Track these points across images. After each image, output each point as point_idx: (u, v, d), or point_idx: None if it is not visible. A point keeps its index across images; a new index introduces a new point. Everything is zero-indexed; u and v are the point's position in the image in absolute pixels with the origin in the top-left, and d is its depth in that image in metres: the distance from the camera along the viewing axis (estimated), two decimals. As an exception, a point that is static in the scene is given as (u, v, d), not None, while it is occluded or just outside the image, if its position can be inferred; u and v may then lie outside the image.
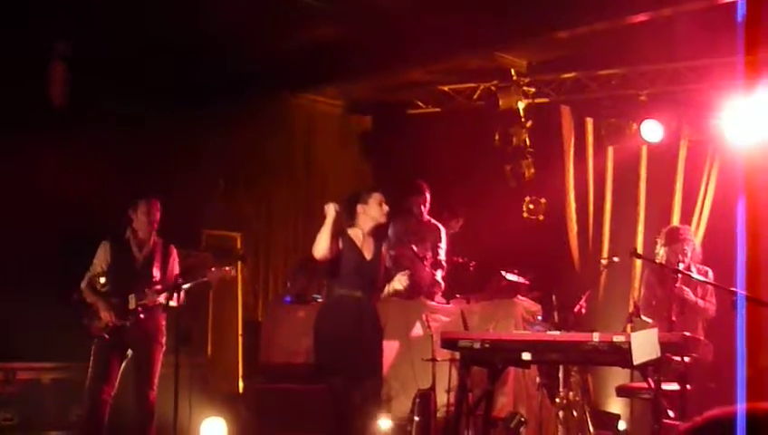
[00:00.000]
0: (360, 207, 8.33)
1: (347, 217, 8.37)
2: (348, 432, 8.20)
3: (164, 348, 9.03)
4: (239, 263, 10.29)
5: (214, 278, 9.14)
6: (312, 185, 13.05)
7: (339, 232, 8.14)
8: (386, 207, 8.38)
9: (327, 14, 9.95)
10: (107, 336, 8.81)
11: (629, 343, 7.21)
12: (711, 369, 9.16)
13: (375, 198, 8.36)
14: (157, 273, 9.06)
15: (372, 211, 8.34)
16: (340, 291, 8.30)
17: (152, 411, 8.94)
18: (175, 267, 9.20)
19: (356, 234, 8.32)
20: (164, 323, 9.06)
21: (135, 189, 9.38)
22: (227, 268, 9.24)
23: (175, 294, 8.83)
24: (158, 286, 8.99)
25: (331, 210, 8.00)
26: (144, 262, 9.08)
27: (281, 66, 11.06)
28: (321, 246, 8.04)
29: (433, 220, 11.07)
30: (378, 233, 8.53)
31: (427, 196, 11.02)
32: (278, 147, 12.68)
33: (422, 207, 11.00)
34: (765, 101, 10.25)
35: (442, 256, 10.92)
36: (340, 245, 8.18)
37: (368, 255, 8.32)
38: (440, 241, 10.95)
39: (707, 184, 11.61)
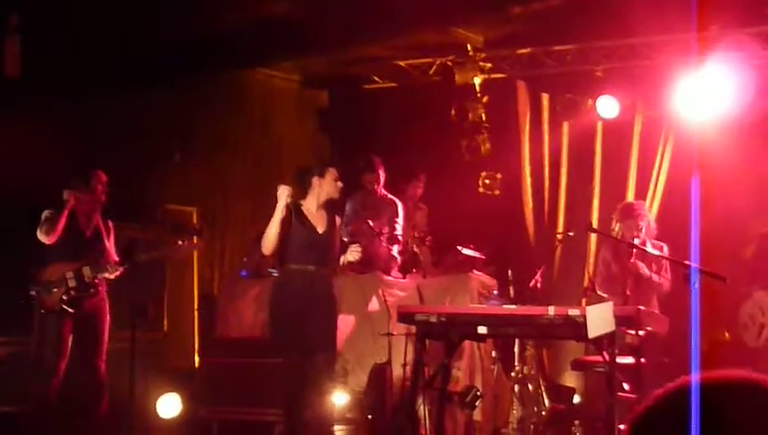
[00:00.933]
0: (315, 181, 8.36)
1: (300, 190, 8.40)
2: (303, 406, 8.24)
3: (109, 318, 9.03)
4: (195, 237, 10.25)
5: (170, 253, 9.13)
6: (269, 159, 13.02)
7: (290, 212, 8.17)
8: (340, 184, 8.42)
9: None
10: (65, 308, 8.76)
11: (584, 317, 7.24)
12: (665, 343, 9.25)
13: (331, 172, 8.40)
14: (108, 245, 9.05)
15: (327, 186, 8.37)
16: (293, 266, 8.34)
17: (103, 382, 8.94)
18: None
19: (308, 208, 8.35)
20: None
21: (88, 163, 9.32)
22: (181, 242, 9.23)
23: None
24: (116, 259, 8.98)
25: (282, 195, 8.05)
26: (93, 234, 9.04)
27: (236, 40, 10.98)
28: (270, 241, 8.17)
29: (389, 195, 11.06)
30: (330, 207, 8.55)
31: (381, 172, 10.99)
32: (235, 121, 12.63)
33: (375, 183, 10.98)
34: (717, 77, 10.33)
35: (399, 230, 10.92)
36: (293, 219, 8.20)
37: (320, 228, 8.35)
38: (397, 216, 10.94)
39: (662, 160, 11.68)
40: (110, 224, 9.22)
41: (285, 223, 8.17)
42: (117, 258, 9.05)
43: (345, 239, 9.05)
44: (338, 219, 8.66)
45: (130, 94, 10.88)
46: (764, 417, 1.90)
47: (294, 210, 8.26)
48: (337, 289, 8.82)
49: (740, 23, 10.54)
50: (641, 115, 11.79)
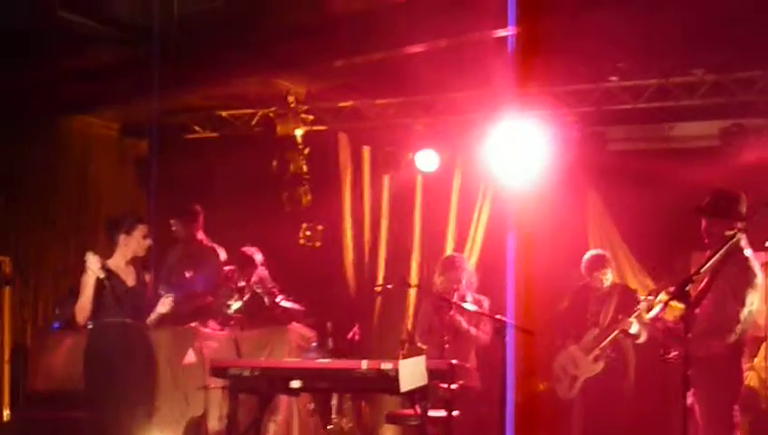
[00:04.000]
0: (122, 238, 8.24)
1: (109, 240, 8.28)
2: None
3: None
4: (7, 287, 9.99)
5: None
6: (87, 209, 12.74)
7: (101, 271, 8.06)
8: (148, 241, 8.30)
9: (103, 37, 9.76)
10: None
11: (397, 371, 7.28)
12: (481, 395, 9.37)
13: (140, 229, 8.28)
14: None
15: (134, 244, 8.26)
16: (107, 319, 8.18)
17: None
18: None
19: (116, 263, 8.22)
20: None
21: None
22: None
23: None
24: None
25: (91, 267, 7.94)
26: None
27: (55, 87, 10.78)
28: (83, 311, 8.06)
29: (211, 244, 10.93)
30: (138, 260, 8.42)
31: (201, 220, 10.87)
32: (52, 169, 12.33)
33: (195, 232, 10.85)
34: (531, 133, 10.57)
35: (217, 279, 10.79)
36: (102, 275, 8.05)
37: (129, 282, 8.22)
38: (216, 265, 10.81)
39: (480, 214, 11.86)
40: None
41: (100, 283, 8.03)
42: None
43: (161, 292, 8.91)
44: (148, 272, 8.52)
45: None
46: None
47: (103, 267, 8.12)
48: (154, 342, 8.68)
49: (554, 81, 10.82)
50: (460, 169, 11.96)
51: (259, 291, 10.48)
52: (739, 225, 7.46)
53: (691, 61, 10.37)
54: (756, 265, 7.61)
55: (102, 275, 8.00)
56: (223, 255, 10.84)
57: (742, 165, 10.17)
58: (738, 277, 7.48)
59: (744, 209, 7.64)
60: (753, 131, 10.44)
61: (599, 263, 9.88)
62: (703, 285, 7.47)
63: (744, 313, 7.46)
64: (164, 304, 8.36)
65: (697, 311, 7.37)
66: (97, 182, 12.95)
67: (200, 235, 10.91)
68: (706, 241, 7.68)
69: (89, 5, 9.29)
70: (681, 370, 5.99)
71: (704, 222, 7.73)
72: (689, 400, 7.36)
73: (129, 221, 8.34)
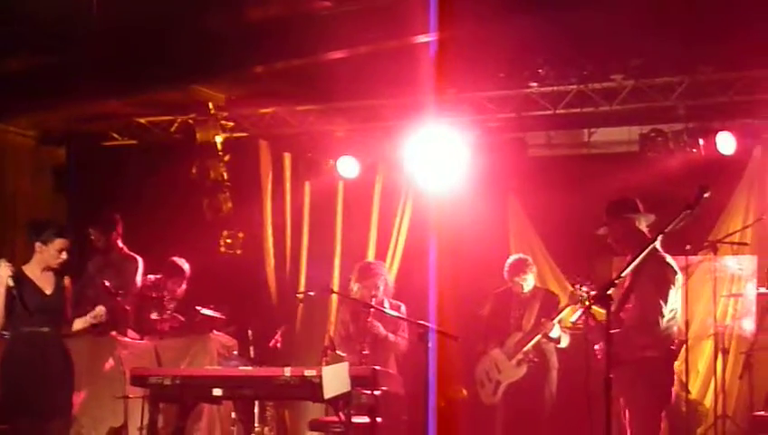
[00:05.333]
0: (38, 246, 8.10)
1: (27, 246, 8.16)
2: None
3: None
4: None
5: None
6: (4, 219, 12.53)
7: (15, 279, 7.90)
8: (63, 256, 8.15)
9: (19, 42, 9.62)
10: None
11: (320, 378, 7.26)
12: (403, 401, 9.34)
13: (56, 244, 8.12)
14: None
15: (48, 256, 8.12)
16: (27, 328, 8.04)
17: None
18: None
19: (32, 270, 8.09)
20: None
21: None
22: None
23: None
24: None
25: (3, 275, 7.80)
26: None
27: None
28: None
29: (130, 253, 10.80)
30: (56, 267, 8.28)
31: (119, 229, 10.74)
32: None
33: (115, 240, 10.72)
34: (451, 139, 10.60)
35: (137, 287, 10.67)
36: (15, 284, 7.92)
37: (47, 290, 8.09)
38: (136, 273, 10.69)
39: (401, 220, 11.88)
40: None
41: (10, 292, 7.89)
42: None
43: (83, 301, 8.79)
44: (67, 279, 8.37)
45: None
46: None
47: (19, 274, 7.98)
48: (72, 351, 8.54)
49: (475, 87, 10.86)
50: (382, 176, 11.97)
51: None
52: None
53: (610, 67, 10.46)
54: (675, 265, 7.71)
55: (11, 284, 7.86)
56: (142, 264, 10.71)
57: (661, 170, 10.29)
58: (660, 274, 7.56)
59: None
60: (672, 137, 10.55)
61: (520, 267, 9.92)
62: (626, 285, 7.54)
63: (667, 309, 7.54)
64: (97, 316, 8.26)
65: (622, 315, 7.46)
66: (12, 191, 12.74)
67: (119, 243, 10.77)
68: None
69: (5, 11, 9.15)
70: (604, 373, 6.00)
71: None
72: (620, 404, 7.47)
73: (48, 232, 8.18)
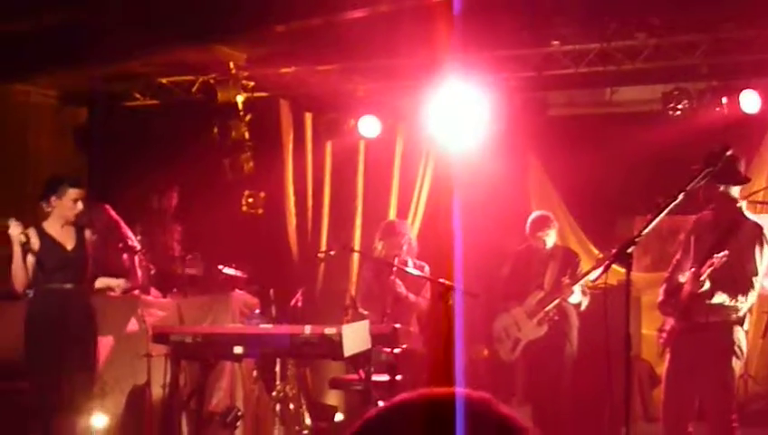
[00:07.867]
0: (53, 201, 8.13)
1: (45, 203, 8.19)
2: (54, 428, 7.99)
3: None
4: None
5: None
6: (25, 178, 12.56)
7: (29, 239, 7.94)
8: (80, 205, 8.18)
9: (40, 2, 9.62)
10: None
11: (341, 336, 7.28)
12: (423, 359, 9.37)
13: (70, 194, 8.16)
14: None
15: (64, 208, 8.15)
16: (50, 285, 8.09)
17: None
18: None
19: (52, 226, 8.12)
20: None
21: None
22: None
23: None
24: None
25: (14, 233, 7.83)
26: None
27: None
28: (19, 279, 7.94)
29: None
30: (78, 221, 8.31)
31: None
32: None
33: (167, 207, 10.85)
34: (471, 98, 10.56)
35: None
36: (38, 241, 7.96)
37: (69, 245, 8.13)
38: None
39: (423, 180, 11.88)
40: None
41: (30, 252, 7.93)
42: None
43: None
44: (88, 233, 8.40)
45: None
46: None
47: (39, 233, 8.02)
48: (96, 309, 8.60)
49: (495, 46, 10.80)
50: (403, 135, 11.96)
51: None
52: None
53: (633, 25, 10.39)
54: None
55: (23, 240, 7.90)
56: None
57: (684, 129, 10.23)
58: (755, 233, 7.47)
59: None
60: (695, 95, 10.49)
61: (544, 222, 9.86)
62: (709, 244, 7.45)
63: (758, 278, 7.44)
64: (115, 286, 8.34)
65: (702, 275, 7.32)
66: (35, 151, 12.78)
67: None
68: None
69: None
70: (624, 331, 6.00)
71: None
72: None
73: (66, 181, 8.23)
